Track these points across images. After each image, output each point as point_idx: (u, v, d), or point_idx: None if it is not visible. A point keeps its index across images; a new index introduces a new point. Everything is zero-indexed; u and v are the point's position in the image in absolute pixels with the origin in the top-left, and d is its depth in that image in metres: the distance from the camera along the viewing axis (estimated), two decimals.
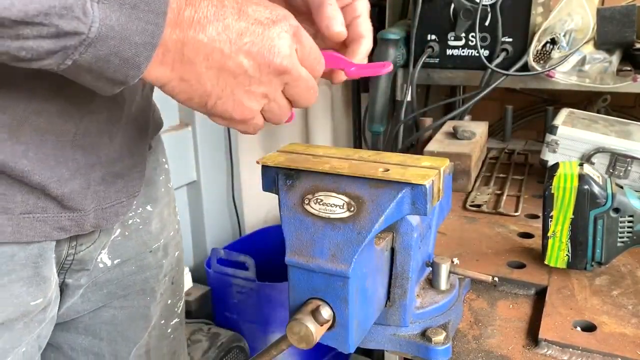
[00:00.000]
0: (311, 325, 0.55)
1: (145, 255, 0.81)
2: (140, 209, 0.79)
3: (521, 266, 0.88)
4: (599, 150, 1.08)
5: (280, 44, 0.51)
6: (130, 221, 0.77)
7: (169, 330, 0.91)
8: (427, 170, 0.60)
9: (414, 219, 0.64)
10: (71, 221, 0.63)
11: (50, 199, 0.60)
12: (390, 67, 0.65)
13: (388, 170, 0.60)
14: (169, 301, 0.90)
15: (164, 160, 0.88)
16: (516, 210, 1.09)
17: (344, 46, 0.67)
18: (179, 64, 0.49)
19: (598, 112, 1.46)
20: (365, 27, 0.66)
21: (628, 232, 0.80)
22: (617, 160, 1.07)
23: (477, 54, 1.35)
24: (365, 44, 0.66)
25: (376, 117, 1.54)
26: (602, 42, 1.24)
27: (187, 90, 0.51)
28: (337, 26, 0.62)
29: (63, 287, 0.73)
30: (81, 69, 0.45)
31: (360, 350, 0.64)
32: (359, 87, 1.88)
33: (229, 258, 1.69)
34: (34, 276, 0.62)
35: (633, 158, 1.06)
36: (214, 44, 0.48)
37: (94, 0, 0.42)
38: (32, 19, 0.40)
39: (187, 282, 1.77)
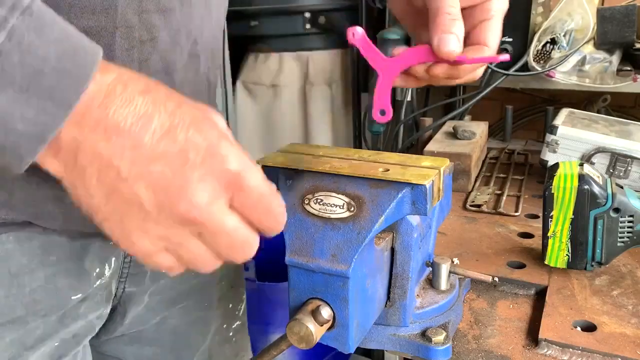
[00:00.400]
0: (311, 325, 0.55)
1: None
2: None
3: (521, 266, 0.88)
4: (599, 150, 1.08)
5: (195, 188, 0.40)
6: None
7: (231, 334, 0.91)
8: (427, 170, 0.60)
9: (414, 219, 0.64)
10: None
11: None
12: (508, 57, 0.58)
13: (388, 170, 0.60)
14: (230, 305, 0.90)
15: None
16: (516, 210, 1.09)
17: (465, 44, 0.59)
18: (71, 167, 0.40)
19: (598, 112, 1.46)
20: (491, 34, 0.60)
21: (628, 232, 0.80)
22: (617, 160, 1.07)
23: None
24: (485, 54, 0.59)
25: None
26: (602, 42, 1.24)
27: (75, 194, 0.42)
28: (447, 45, 0.55)
29: (125, 298, 0.74)
30: None
31: (360, 350, 0.64)
32: (359, 87, 1.88)
33: None
34: (77, 270, 0.62)
35: (633, 158, 1.06)
36: (112, 160, 0.39)
37: None
38: None
39: None
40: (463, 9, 0.60)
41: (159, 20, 0.57)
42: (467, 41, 0.60)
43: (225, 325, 0.90)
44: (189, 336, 0.84)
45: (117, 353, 0.79)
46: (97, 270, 0.66)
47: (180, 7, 0.59)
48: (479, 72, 0.62)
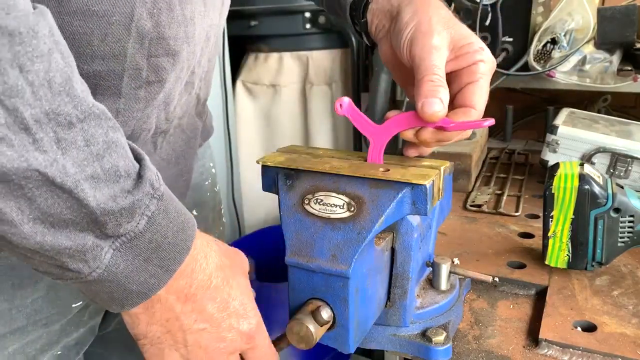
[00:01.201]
0: (311, 326, 0.55)
1: None
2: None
3: (521, 266, 0.88)
4: (600, 150, 1.08)
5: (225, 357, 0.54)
6: None
7: None
8: (427, 170, 0.60)
9: (414, 219, 0.64)
10: None
11: None
12: (493, 122, 0.60)
13: (388, 170, 0.60)
14: None
15: (211, 165, 0.88)
16: (516, 210, 1.09)
17: (451, 106, 0.63)
18: (146, 307, 0.50)
19: (598, 112, 1.46)
20: (477, 97, 0.62)
21: (629, 232, 0.80)
22: (618, 160, 1.07)
23: None
24: (471, 116, 0.61)
25: (376, 117, 1.53)
26: (603, 42, 1.23)
27: (137, 321, 0.53)
28: (431, 107, 0.58)
29: None
30: (71, 285, 0.46)
31: (360, 351, 0.64)
32: (359, 87, 1.88)
33: None
34: None
35: (633, 158, 1.06)
36: (180, 316, 0.51)
37: (112, 247, 0.43)
38: (44, 252, 0.41)
39: None
40: (450, 72, 0.63)
41: (167, 63, 0.58)
42: (455, 103, 0.62)
43: None
44: None
45: (101, 344, 0.79)
46: None
47: (187, 48, 0.60)
48: (468, 131, 0.65)
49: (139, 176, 0.44)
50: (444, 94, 0.58)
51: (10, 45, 0.35)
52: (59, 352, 0.65)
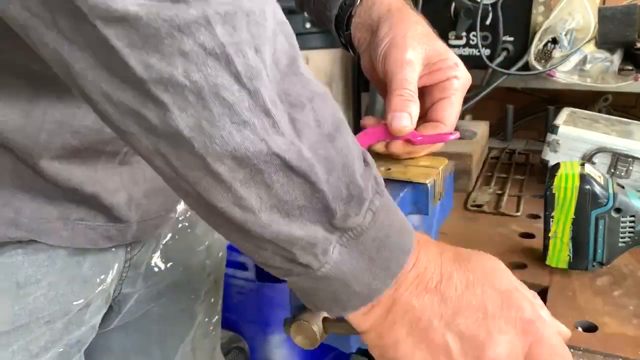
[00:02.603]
0: (315, 326, 0.55)
1: (190, 257, 0.83)
2: (189, 212, 0.80)
3: (522, 266, 0.87)
4: (601, 150, 1.08)
5: (497, 339, 0.43)
6: (180, 225, 0.79)
7: (211, 328, 0.92)
8: (428, 169, 0.60)
9: (415, 219, 0.64)
10: (117, 231, 0.65)
11: (100, 209, 0.61)
12: (457, 135, 0.63)
13: (389, 169, 0.60)
14: (212, 299, 0.91)
15: None
16: (517, 210, 1.09)
17: (423, 119, 0.65)
18: (382, 320, 0.45)
19: (599, 111, 1.46)
20: (448, 112, 0.64)
21: (630, 232, 0.79)
22: (619, 160, 1.07)
23: (478, 53, 1.34)
24: (441, 130, 0.63)
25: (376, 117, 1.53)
26: (604, 42, 1.23)
27: (380, 343, 0.46)
28: (399, 122, 0.60)
29: (120, 298, 0.75)
30: (293, 286, 0.45)
31: (360, 351, 0.64)
32: (359, 87, 1.87)
33: (228, 258, 1.68)
34: (78, 276, 0.64)
35: (634, 158, 1.06)
36: (424, 314, 0.44)
37: (339, 242, 0.41)
38: (278, 243, 0.40)
39: None
40: (424, 87, 0.65)
41: None
42: (426, 117, 0.65)
43: (207, 319, 0.91)
44: (174, 326, 0.85)
45: (103, 342, 0.79)
46: (101, 276, 0.67)
47: None
48: (437, 145, 0.66)
49: (366, 162, 0.43)
50: (413, 109, 0.61)
51: (248, 26, 0.35)
52: (60, 350, 0.65)
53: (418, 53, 0.64)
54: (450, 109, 0.64)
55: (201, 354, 0.91)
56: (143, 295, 0.79)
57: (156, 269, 0.78)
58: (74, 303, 0.64)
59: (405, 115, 0.60)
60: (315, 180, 0.39)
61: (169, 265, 0.79)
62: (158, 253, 0.77)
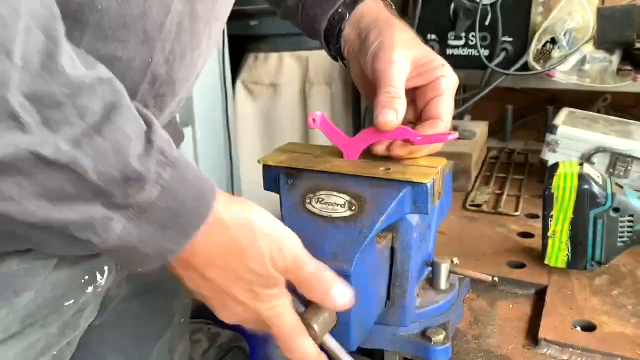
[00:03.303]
0: (316, 326, 0.55)
1: None
2: None
3: (521, 266, 0.88)
4: (599, 150, 1.08)
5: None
6: None
7: (187, 330, 0.92)
8: (427, 169, 0.60)
9: (414, 219, 0.64)
10: None
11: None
12: (457, 135, 0.64)
13: (389, 169, 0.60)
14: (188, 300, 0.91)
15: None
16: (516, 210, 1.09)
17: (420, 120, 0.67)
18: (183, 269, 0.52)
19: (598, 111, 1.46)
20: (443, 109, 0.66)
21: (628, 232, 0.80)
22: (618, 160, 1.07)
23: (478, 54, 1.34)
24: (439, 127, 0.65)
25: None
26: (603, 42, 1.24)
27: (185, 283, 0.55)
28: (385, 116, 0.62)
29: (107, 300, 0.75)
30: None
31: (360, 351, 0.64)
32: None
33: None
34: (65, 277, 0.63)
35: (633, 158, 1.06)
36: (204, 273, 0.51)
37: (124, 217, 0.42)
38: (51, 228, 0.41)
39: None
40: (415, 89, 0.68)
41: (170, 101, 0.60)
42: (423, 117, 0.67)
43: (183, 320, 0.90)
44: (152, 324, 0.84)
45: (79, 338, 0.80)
46: (87, 277, 0.67)
47: (186, 85, 0.62)
48: (438, 145, 0.67)
49: (148, 141, 0.43)
50: (399, 105, 0.63)
51: None
52: (55, 353, 0.65)
53: (406, 54, 0.66)
54: (444, 105, 0.66)
55: (177, 355, 0.90)
56: (126, 295, 0.79)
57: (139, 269, 0.77)
58: (66, 304, 0.64)
59: (391, 111, 0.62)
60: (82, 172, 0.39)
61: None
62: None
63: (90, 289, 0.68)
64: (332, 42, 0.78)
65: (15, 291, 0.59)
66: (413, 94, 0.68)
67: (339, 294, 0.53)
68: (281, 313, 0.54)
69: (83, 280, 0.67)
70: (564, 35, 1.25)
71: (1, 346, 0.59)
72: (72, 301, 0.65)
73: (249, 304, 0.52)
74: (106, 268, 0.69)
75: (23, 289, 0.59)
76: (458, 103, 1.60)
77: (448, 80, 0.67)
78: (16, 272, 0.59)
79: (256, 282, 0.51)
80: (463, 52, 1.41)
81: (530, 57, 1.28)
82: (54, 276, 0.63)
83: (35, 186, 0.39)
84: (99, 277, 0.68)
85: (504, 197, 1.15)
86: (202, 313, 1.69)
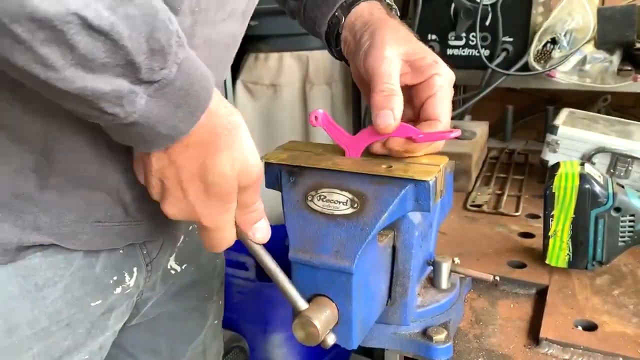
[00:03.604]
0: (317, 323, 0.55)
1: (201, 257, 0.84)
2: None
3: (522, 266, 0.88)
4: (600, 150, 1.08)
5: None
6: (190, 227, 0.80)
7: (219, 331, 0.92)
8: (429, 166, 0.60)
9: (416, 217, 0.64)
10: (131, 229, 0.65)
11: (119, 205, 0.63)
12: (459, 132, 0.64)
13: (391, 166, 0.60)
14: (220, 302, 0.92)
15: None
16: (517, 210, 1.09)
17: (418, 119, 0.66)
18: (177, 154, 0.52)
19: (598, 111, 1.46)
20: (439, 108, 0.65)
21: (629, 232, 0.80)
22: (618, 160, 1.07)
23: (478, 54, 1.34)
24: (437, 128, 0.64)
25: None
26: (603, 42, 1.24)
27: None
28: (383, 120, 0.62)
29: (140, 302, 0.76)
30: (104, 125, 0.49)
31: (360, 349, 0.64)
32: None
33: (228, 258, 1.69)
34: (91, 277, 0.64)
35: (634, 158, 1.06)
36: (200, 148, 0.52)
37: (146, 93, 0.45)
38: (85, 97, 0.43)
39: None
40: (410, 86, 0.67)
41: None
42: (420, 117, 0.66)
43: (216, 322, 0.91)
44: (186, 325, 0.85)
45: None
46: (115, 278, 0.67)
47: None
48: (439, 144, 0.66)
49: (170, 21, 0.45)
50: (396, 103, 0.62)
51: None
52: (86, 357, 0.66)
53: (396, 50, 0.66)
54: (441, 104, 0.66)
55: (211, 356, 0.91)
56: (160, 298, 0.79)
57: (172, 272, 0.79)
58: (92, 305, 0.65)
59: (388, 113, 0.61)
60: (117, 38, 0.41)
61: (183, 266, 0.80)
62: (174, 256, 0.78)
63: (118, 290, 0.68)
64: (332, 44, 0.79)
65: (37, 285, 0.59)
66: (409, 92, 0.68)
67: (261, 228, 0.57)
68: (221, 227, 0.55)
69: (111, 281, 0.67)
70: (564, 35, 1.25)
71: (25, 341, 0.59)
72: (100, 301, 0.65)
73: (194, 206, 0.53)
74: (135, 269, 0.69)
75: (46, 283, 0.60)
76: (458, 103, 1.60)
77: (442, 78, 0.66)
78: (38, 265, 0.59)
79: (215, 186, 0.52)
80: (463, 52, 1.41)
81: (530, 57, 1.28)
82: (81, 274, 0.63)
83: (77, 55, 0.40)
84: (127, 278, 0.69)
85: (505, 197, 1.15)
86: None
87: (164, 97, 0.46)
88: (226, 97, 1.93)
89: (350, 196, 0.58)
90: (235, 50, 0.72)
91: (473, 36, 1.38)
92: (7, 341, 0.58)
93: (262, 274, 1.80)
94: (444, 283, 0.73)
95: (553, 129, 1.14)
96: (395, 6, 0.79)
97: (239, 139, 0.52)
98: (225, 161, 0.51)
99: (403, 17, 1.71)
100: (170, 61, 0.45)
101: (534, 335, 0.72)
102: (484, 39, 1.37)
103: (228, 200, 0.53)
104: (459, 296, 0.75)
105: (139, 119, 0.46)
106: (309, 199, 0.60)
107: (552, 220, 0.82)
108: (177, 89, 0.46)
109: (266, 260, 0.57)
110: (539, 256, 0.87)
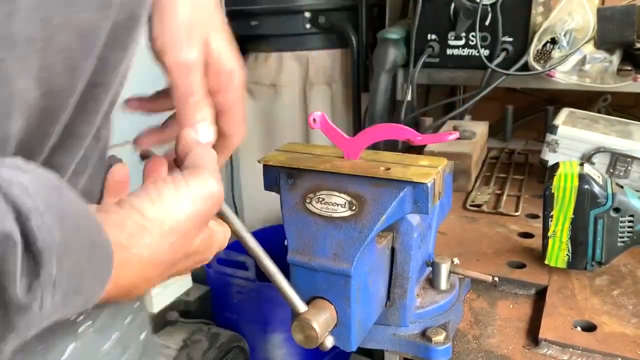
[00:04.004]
0: (316, 325, 0.55)
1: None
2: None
3: (521, 266, 0.88)
4: (600, 150, 1.08)
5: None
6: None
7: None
8: (428, 169, 0.60)
9: (414, 219, 0.64)
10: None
11: None
12: (457, 135, 0.64)
13: (389, 169, 0.60)
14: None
15: None
16: (516, 210, 1.09)
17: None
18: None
19: (598, 111, 1.46)
20: (232, 129, 0.56)
21: (628, 232, 0.80)
22: (618, 160, 1.07)
23: (478, 54, 1.34)
24: (233, 145, 0.58)
25: (376, 116, 1.53)
26: (603, 42, 1.24)
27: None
28: (205, 136, 0.53)
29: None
30: None
31: (360, 350, 0.64)
32: (359, 87, 1.88)
33: (228, 258, 1.69)
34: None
35: (633, 158, 1.06)
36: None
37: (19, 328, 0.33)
38: None
39: (187, 282, 1.77)
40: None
41: None
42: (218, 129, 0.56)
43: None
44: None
45: None
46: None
47: None
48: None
49: (35, 274, 0.33)
50: (207, 113, 0.54)
51: None
52: None
53: (197, 47, 0.53)
54: (234, 124, 0.57)
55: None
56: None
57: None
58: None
59: (208, 128, 0.53)
60: None
61: None
62: None
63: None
64: None
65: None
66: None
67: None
68: (213, 245, 0.51)
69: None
70: (564, 35, 1.25)
71: None
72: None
73: (191, 266, 0.50)
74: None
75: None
76: (458, 103, 1.60)
77: (235, 95, 0.56)
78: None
79: (191, 254, 0.48)
80: (463, 52, 1.41)
81: (530, 57, 1.28)
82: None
83: None
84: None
85: (504, 197, 1.15)
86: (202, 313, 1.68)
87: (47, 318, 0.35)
88: None
89: (349, 198, 0.58)
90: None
91: (473, 36, 1.38)
92: None
93: (262, 274, 1.80)
94: (443, 284, 0.73)
95: (553, 129, 1.14)
96: None
97: (154, 222, 0.43)
98: (178, 248, 0.45)
99: (403, 16, 1.71)
100: (36, 306, 0.33)
101: (533, 335, 0.72)
102: (483, 39, 1.37)
103: (192, 247, 0.48)
104: (458, 297, 0.75)
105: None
106: (308, 201, 0.60)
107: (551, 220, 0.82)
108: (60, 295, 0.35)
109: (265, 262, 0.57)
110: (539, 256, 0.87)
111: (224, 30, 0.56)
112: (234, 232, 0.56)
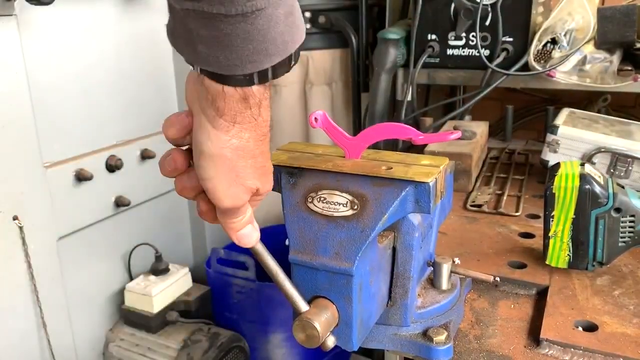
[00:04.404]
0: (317, 325, 0.55)
1: None
2: None
3: (522, 266, 0.88)
4: (600, 150, 1.08)
5: None
6: None
7: None
8: (430, 168, 0.60)
9: (416, 218, 0.64)
10: None
11: None
12: (459, 134, 0.64)
13: (391, 168, 0.60)
14: None
15: None
16: (517, 210, 1.09)
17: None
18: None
19: (598, 111, 1.46)
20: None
21: (629, 232, 0.80)
22: (618, 160, 1.07)
23: (478, 54, 1.35)
24: None
25: (376, 116, 1.53)
26: (603, 42, 1.24)
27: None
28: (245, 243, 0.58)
29: None
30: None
31: (360, 350, 0.65)
32: (359, 87, 1.88)
33: (228, 258, 1.69)
34: None
35: (634, 158, 1.06)
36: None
37: None
38: None
39: (187, 282, 1.76)
40: None
41: None
42: None
43: None
44: None
45: None
46: None
47: None
48: None
49: None
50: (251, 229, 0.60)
51: None
52: None
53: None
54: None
55: None
56: None
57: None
58: None
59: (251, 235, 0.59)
60: None
61: None
62: None
63: None
64: None
65: None
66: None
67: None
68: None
69: None
70: (564, 35, 1.25)
71: None
72: None
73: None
74: None
75: None
76: (458, 103, 1.60)
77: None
78: None
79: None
80: (463, 52, 1.41)
81: (530, 57, 1.28)
82: None
83: None
84: None
85: (505, 197, 1.15)
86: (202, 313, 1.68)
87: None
88: None
89: (350, 198, 0.58)
90: None
91: (473, 36, 1.38)
92: None
93: (262, 274, 1.80)
94: (445, 284, 0.73)
95: (553, 129, 1.14)
96: None
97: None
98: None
99: (403, 16, 1.71)
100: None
101: (534, 336, 0.72)
102: (484, 39, 1.37)
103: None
104: (459, 297, 0.75)
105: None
106: (309, 200, 0.60)
107: (552, 220, 0.82)
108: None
109: (268, 261, 0.57)
110: (539, 256, 0.87)
111: None
112: None
